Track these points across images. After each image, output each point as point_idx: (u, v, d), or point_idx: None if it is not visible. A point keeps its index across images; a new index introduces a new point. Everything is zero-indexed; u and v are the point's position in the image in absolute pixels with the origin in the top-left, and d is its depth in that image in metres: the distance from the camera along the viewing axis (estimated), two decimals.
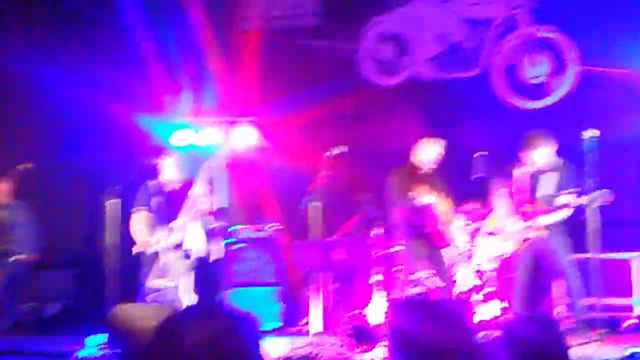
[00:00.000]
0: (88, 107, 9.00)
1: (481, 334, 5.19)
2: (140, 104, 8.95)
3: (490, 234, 7.30)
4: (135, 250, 6.89)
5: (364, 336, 6.01)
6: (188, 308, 4.31)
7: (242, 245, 8.44)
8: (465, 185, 8.45)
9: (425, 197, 6.82)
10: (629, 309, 7.22)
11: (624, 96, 8.56)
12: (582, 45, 8.84)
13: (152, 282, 6.69)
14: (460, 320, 5.63)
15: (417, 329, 5.49)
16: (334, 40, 9.71)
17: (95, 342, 6.11)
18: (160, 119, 9.05)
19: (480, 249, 7.89)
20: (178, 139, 8.99)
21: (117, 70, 9.06)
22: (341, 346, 6.13)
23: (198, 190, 6.89)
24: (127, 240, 6.98)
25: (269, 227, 8.65)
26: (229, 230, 8.55)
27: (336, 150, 7.01)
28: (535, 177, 6.95)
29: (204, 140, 9.07)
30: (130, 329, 4.59)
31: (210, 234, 6.97)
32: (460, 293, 7.40)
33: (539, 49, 9.04)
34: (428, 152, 7.13)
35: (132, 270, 7.10)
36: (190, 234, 6.85)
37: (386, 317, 5.78)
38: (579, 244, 6.84)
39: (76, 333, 6.94)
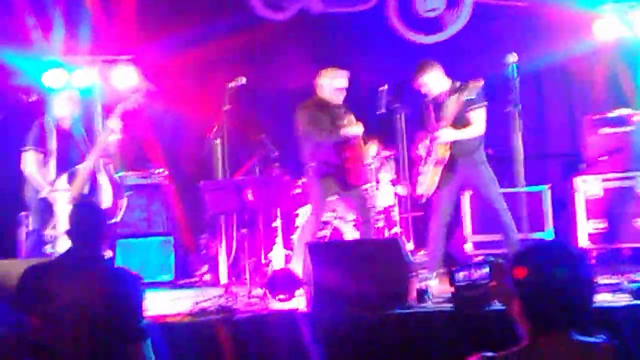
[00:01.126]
0: None
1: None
2: (4, 39, 7.80)
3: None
4: (43, 194, 5.98)
5: (279, 285, 5.36)
6: (60, 260, 3.55)
7: (129, 192, 7.59)
8: (366, 121, 8.04)
9: (354, 127, 6.26)
10: None
11: (523, 28, 8.27)
12: None
13: (50, 230, 5.81)
14: (396, 257, 5.18)
15: (344, 273, 5.01)
16: None
17: None
18: (29, 55, 7.96)
19: (385, 188, 7.46)
20: (51, 78, 7.95)
21: None
22: (255, 297, 5.49)
23: (112, 129, 6.11)
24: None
25: (156, 173, 7.83)
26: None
27: (237, 82, 6.27)
28: (438, 105, 6.42)
29: (80, 81, 8.07)
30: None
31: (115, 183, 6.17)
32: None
33: None
34: (332, 83, 6.49)
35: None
36: (99, 185, 6.05)
37: (306, 263, 5.18)
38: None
39: None
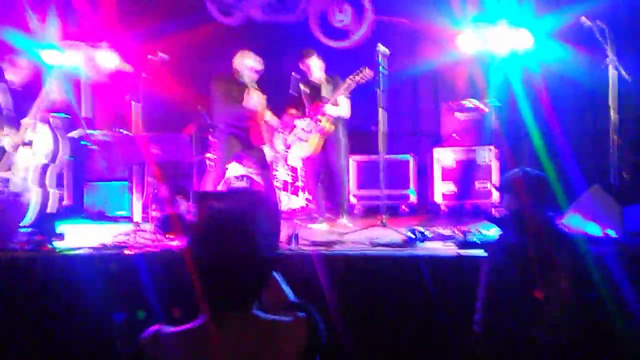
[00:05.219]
0: None
1: None
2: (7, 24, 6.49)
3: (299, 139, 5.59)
4: None
5: (171, 225, 4.23)
6: None
7: (96, 147, 6.38)
8: (284, 101, 6.91)
9: (255, 99, 5.11)
10: (407, 197, 5.89)
11: (404, 39, 7.12)
12: None
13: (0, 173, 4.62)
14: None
15: (216, 216, 3.88)
16: None
17: None
18: (28, 37, 6.64)
19: (292, 151, 6.34)
20: (48, 57, 6.62)
21: None
22: (153, 233, 4.33)
23: (48, 90, 4.92)
24: None
25: (117, 132, 6.61)
26: (88, 134, 6.51)
27: (158, 56, 5.06)
28: (315, 87, 5.50)
29: (70, 61, 6.76)
30: None
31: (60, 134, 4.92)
32: (276, 187, 5.82)
33: (343, 0, 7.40)
34: (244, 63, 5.30)
35: None
36: (40, 134, 4.81)
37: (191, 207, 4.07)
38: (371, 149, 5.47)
39: None
